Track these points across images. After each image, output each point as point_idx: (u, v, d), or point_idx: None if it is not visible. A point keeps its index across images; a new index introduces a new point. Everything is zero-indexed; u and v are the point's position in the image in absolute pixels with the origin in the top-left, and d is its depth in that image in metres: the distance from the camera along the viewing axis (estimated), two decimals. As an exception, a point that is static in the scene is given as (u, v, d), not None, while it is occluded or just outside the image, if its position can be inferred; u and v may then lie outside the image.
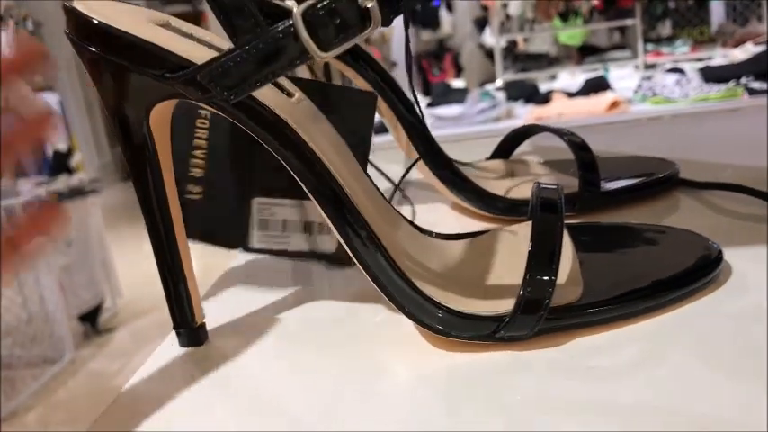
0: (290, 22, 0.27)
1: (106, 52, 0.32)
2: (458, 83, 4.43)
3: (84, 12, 0.32)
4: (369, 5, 0.27)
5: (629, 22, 4.40)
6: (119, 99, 0.33)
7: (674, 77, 3.11)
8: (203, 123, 0.43)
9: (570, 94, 3.34)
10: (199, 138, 0.43)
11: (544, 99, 3.36)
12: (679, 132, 0.74)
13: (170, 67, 0.32)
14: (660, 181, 0.49)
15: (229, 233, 0.44)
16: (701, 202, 0.45)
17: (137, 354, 2.37)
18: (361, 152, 0.41)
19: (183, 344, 0.37)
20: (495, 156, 0.57)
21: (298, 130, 0.33)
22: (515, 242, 0.38)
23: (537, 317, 0.32)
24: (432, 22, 5.36)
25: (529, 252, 0.32)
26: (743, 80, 2.79)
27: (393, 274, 0.33)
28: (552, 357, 0.31)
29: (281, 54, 0.28)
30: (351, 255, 0.34)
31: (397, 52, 5.38)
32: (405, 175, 0.44)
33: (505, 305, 0.32)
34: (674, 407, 0.26)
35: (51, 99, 3.90)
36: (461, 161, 0.52)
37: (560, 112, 3.12)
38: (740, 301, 0.34)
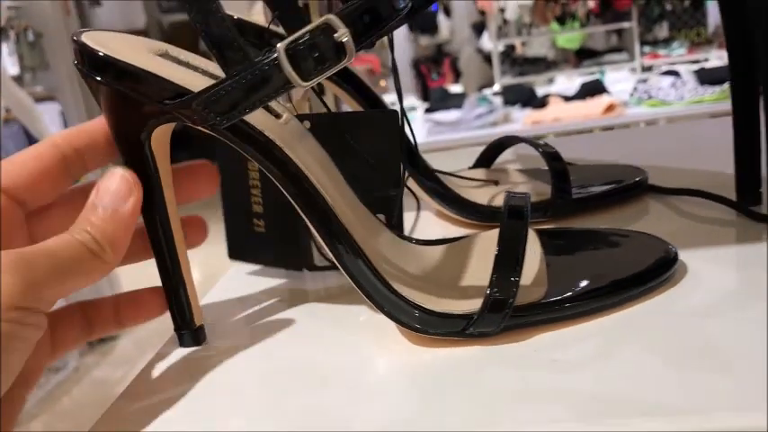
0: (275, 55, 0.31)
1: (111, 81, 0.35)
2: (456, 88, 4.45)
3: (91, 45, 0.35)
4: (343, 40, 0.30)
5: (625, 24, 4.43)
6: (123, 123, 0.36)
7: (669, 80, 3.14)
8: (253, 167, 0.48)
9: (567, 98, 3.36)
10: (253, 179, 0.48)
11: (541, 103, 3.38)
12: (672, 136, 0.77)
13: (168, 94, 0.35)
14: (629, 188, 0.52)
15: (295, 257, 0.49)
16: (669, 207, 0.48)
17: (140, 361, 2.40)
18: (395, 170, 0.44)
19: (183, 344, 0.40)
20: (477, 165, 0.60)
21: (285, 149, 0.36)
22: (489, 245, 0.40)
23: (502, 314, 0.35)
24: (430, 27, 5.38)
25: (495, 255, 0.36)
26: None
27: (372, 278, 0.36)
28: (519, 352, 0.34)
29: (266, 83, 0.31)
30: (335, 261, 0.37)
31: (396, 58, 5.41)
32: (403, 186, 0.47)
33: (475, 304, 0.35)
34: (627, 396, 0.28)
35: (53, 109, 3.92)
36: (444, 171, 0.55)
37: (557, 116, 3.15)
38: (693, 299, 0.36)
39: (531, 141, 0.52)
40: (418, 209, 0.58)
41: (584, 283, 0.37)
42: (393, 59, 0.44)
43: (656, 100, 3.07)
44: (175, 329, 0.40)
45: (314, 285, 0.48)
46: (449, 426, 0.29)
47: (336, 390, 0.33)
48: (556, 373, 0.31)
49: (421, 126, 3.41)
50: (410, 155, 0.53)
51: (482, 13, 5.02)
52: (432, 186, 0.53)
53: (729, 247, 0.42)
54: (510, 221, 0.37)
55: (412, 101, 4.00)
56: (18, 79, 3.99)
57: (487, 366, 0.33)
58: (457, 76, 5.51)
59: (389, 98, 3.90)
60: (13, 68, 4.30)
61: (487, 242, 0.41)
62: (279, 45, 0.31)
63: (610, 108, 3.10)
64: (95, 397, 2.31)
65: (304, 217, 0.37)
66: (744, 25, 0.37)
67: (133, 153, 0.36)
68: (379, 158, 0.42)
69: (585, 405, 0.28)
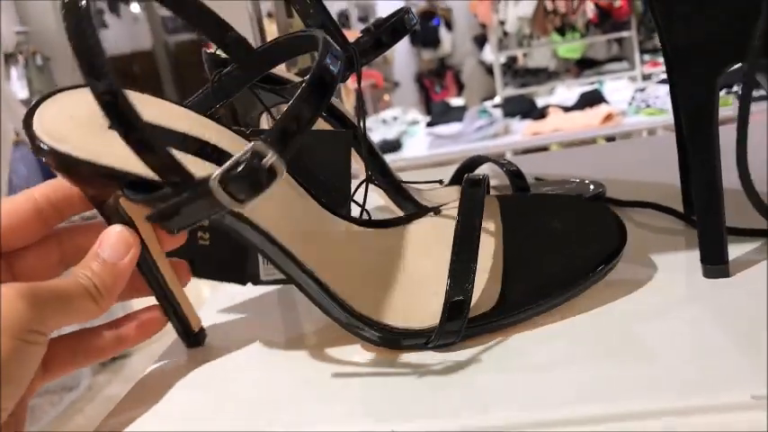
0: (209, 185, 0.32)
1: (59, 170, 0.37)
2: (458, 101, 4.50)
3: (36, 133, 0.37)
4: (271, 162, 0.32)
5: (625, 34, 4.46)
6: (90, 193, 0.39)
7: (666, 88, 3.16)
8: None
9: (566, 109, 3.39)
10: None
11: (541, 114, 3.42)
12: (644, 149, 0.80)
13: (113, 182, 0.36)
14: (587, 200, 0.55)
15: (239, 271, 0.49)
16: (624, 218, 0.51)
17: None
18: (343, 189, 0.45)
19: (189, 346, 0.44)
20: (451, 183, 0.63)
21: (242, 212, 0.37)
22: (441, 231, 0.43)
23: (459, 328, 0.37)
24: (432, 41, 5.44)
25: (451, 259, 0.38)
26: (734, 88, 2.83)
27: (330, 301, 0.39)
28: (478, 356, 0.37)
29: (205, 206, 0.33)
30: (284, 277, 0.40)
31: (399, 73, 5.47)
32: (354, 192, 0.48)
33: (432, 317, 0.37)
34: (573, 393, 0.31)
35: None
36: (417, 188, 0.58)
37: (556, 126, 3.18)
38: (635, 300, 0.39)
39: (496, 160, 0.55)
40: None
41: (533, 290, 0.39)
42: (359, 90, 0.47)
43: (653, 108, 3.09)
44: (178, 334, 0.44)
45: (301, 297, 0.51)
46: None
47: (316, 389, 0.36)
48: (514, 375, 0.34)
49: (422, 140, 3.46)
50: (382, 170, 0.55)
51: (483, 26, 5.06)
52: (403, 203, 0.56)
53: (674, 253, 0.45)
54: (465, 225, 0.40)
55: (415, 115, 4.05)
56: (27, 103, 4.05)
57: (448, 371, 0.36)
58: (460, 89, 5.56)
59: (393, 112, 3.94)
60: (22, 92, 4.37)
61: (439, 226, 0.44)
62: (211, 181, 0.32)
63: (608, 118, 3.14)
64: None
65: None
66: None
67: (106, 214, 0.39)
68: (332, 177, 0.44)
69: (546, 403, 0.31)
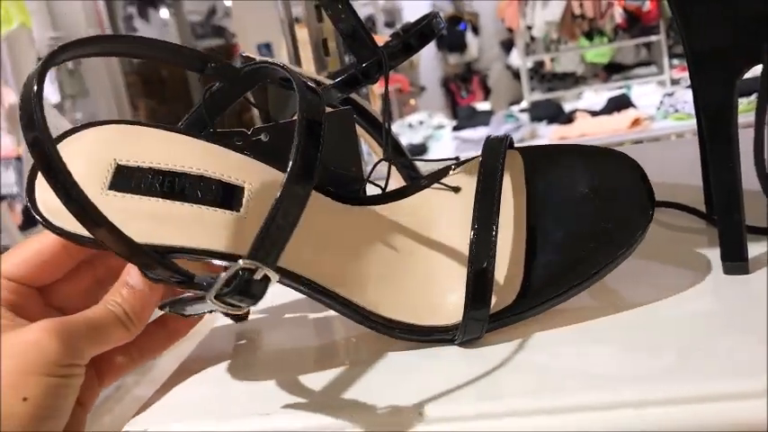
0: (207, 298, 0.32)
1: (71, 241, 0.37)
2: (484, 105, 4.49)
3: (39, 209, 0.37)
4: (262, 275, 0.32)
5: (653, 38, 4.43)
6: None
7: (696, 93, 3.13)
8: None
9: (594, 113, 3.38)
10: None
11: (568, 119, 3.41)
12: (671, 152, 0.80)
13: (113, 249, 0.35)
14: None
15: None
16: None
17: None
18: (357, 171, 0.44)
19: (236, 321, 0.48)
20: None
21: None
22: (454, 209, 0.42)
23: (482, 321, 0.37)
24: (458, 45, 5.44)
25: (468, 276, 0.37)
26: (753, 97, 2.80)
27: (351, 312, 0.39)
28: (500, 346, 0.38)
29: (208, 307, 0.34)
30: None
31: (425, 77, 5.47)
32: (371, 173, 0.47)
33: (455, 313, 0.38)
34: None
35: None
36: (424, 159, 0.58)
37: (583, 131, 3.17)
38: (661, 295, 0.40)
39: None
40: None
41: (554, 282, 0.39)
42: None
43: (682, 113, 3.07)
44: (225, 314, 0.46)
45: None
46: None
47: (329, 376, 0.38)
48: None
49: (448, 144, 3.46)
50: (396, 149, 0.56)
51: (510, 30, 5.06)
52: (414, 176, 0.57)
53: (696, 251, 0.46)
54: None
55: (440, 119, 4.05)
56: (59, 107, 4.12)
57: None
58: (486, 94, 5.55)
59: (419, 116, 3.95)
60: (53, 96, 4.44)
61: (449, 203, 0.43)
62: (207, 296, 0.32)
63: (636, 122, 3.12)
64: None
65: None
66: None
67: None
68: (343, 160, 0.44)
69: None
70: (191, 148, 0.40)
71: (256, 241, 0.32)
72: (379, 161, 0.48)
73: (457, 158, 0.46)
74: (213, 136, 0.42)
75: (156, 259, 0.34)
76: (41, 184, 0.37)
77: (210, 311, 0.37)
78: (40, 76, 0.32)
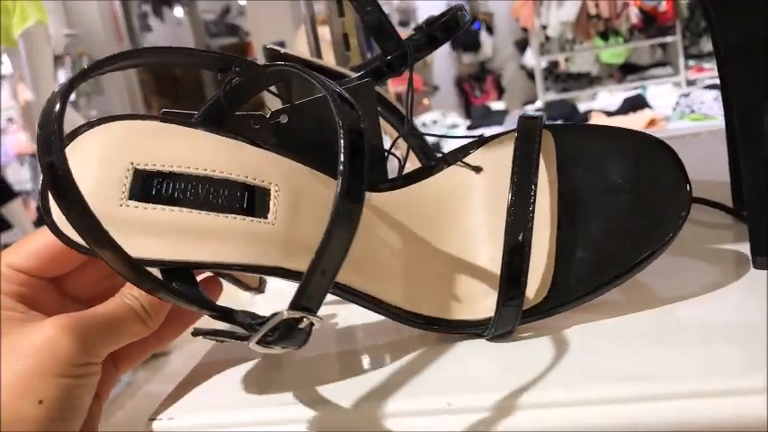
0: (249, 345, 0.32)
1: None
2: (498, 105, 4.49)
3: (54, 220, 0.34)
4: (305, 324, 0.31)
5: (669, 39, 4.41)
6: None
7: (712, 93, 3.12)
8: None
9: (609, 113, 3.37)
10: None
11: (583, 119, 3.39)
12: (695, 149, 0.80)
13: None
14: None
15: None
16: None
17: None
18: (378, 146, 0.43)
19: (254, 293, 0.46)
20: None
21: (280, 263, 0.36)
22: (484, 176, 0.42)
23: (515, 314, 0.37)
24: (472, 45, 5.43)
25: (501, 275, 0.36)
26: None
27: (383, 311, 0.38)
28: (530, 339, 0.38)
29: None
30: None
31: (439, 77, 5.47)
32: (391, 146, 0.46)
33: (487, 305, 0.38)
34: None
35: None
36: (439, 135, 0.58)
37: (598, 131, 3.15)
38: (688, 289, 0.40)
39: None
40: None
41: (584, 279, 0.38)
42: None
43: (698, 114, 3.06)
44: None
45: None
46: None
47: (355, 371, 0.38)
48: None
49: (462, 143, 3.45)
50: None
51: (525, 30, 5.05)
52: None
53: (724, 246, 0.46)
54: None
55: (454, 118, 4.05)
56: (74, 104, 4.15)
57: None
58: (500, 93, 5.54)
59: (433, 115, 3.95)
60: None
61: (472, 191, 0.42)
62: (249, 344, 0.32)
63: (651, 123, 3.11)
64: (148, 411, 2.38)
65: None
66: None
67: None
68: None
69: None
70: (211, 145, 0.38)
71: (300, 290, 0.31)
72: (399, 135, 0.47)
73: (481, 136, 0.44)
74: (229, 120, 0.41)
75: (177, 292, 0.33)
76: None
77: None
78: (63, 96, 0.30)
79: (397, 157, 0.45)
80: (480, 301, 0.39)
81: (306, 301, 0.31)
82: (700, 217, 0.52)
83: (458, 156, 0.43)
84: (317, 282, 0.31)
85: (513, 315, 0.37)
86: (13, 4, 3.13)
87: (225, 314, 0.33)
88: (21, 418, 0.31)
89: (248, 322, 0.33)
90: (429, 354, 0.38)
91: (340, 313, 0.48)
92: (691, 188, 0.38)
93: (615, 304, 0.40)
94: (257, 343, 0.31)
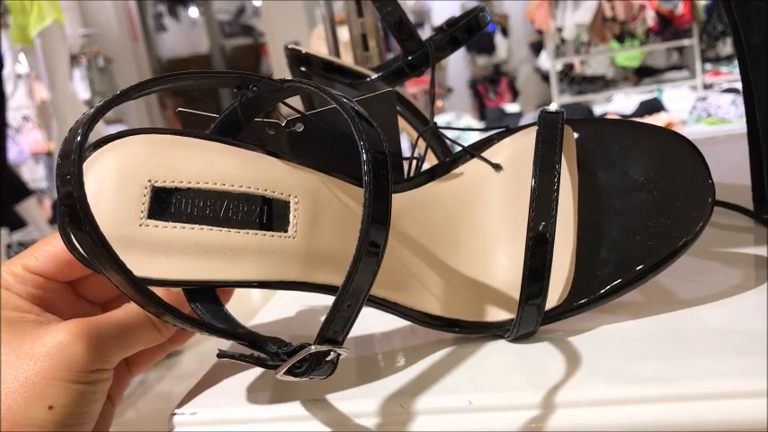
0: (276, 376, 0.32)
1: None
2: (513, 107, 4.47)
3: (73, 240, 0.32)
4: (332, 357, 0.32)
5: (686, 42, 4.39)
6: None
7: (729, 97, 3.10)
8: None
9: (625, 117, 3.36)
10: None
11: (598, 122, 3.38)
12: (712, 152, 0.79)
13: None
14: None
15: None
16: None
17: (202, 375, 2.46)
18: (397, 154, 0.43)
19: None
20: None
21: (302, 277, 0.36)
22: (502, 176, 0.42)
23: (537, 314, 0.36)
24: (487, 47, 5.41)
25: (524, 272, 0.36)
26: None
27: (410, 313, 0.38)
28: (550, 339, 0.38)
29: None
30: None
31: (453, 79, 5.46)
32: (415, 146, 0.47)
33: (507, 310, 0.38)
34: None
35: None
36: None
37: (613, 134, 3.14)
38: (707, 291, 0.40)
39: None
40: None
41: (603, 280, 0.38)
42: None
43: (715, 118, 3.04)
44: None
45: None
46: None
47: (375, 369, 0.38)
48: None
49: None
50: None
51: (540, 32, 5.03)
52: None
53: (742, 249, 0.45)
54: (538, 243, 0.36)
55: (468, 120, 4.04)
56: (89, 103, 4.17)
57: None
58: (514, 96, 5.53)
59: (447, 117, 3.95)
60: (84, 93, 4.50)
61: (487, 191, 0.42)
62: (278, 374, 0.32)
63: (668, 126, 3.09)
64: (159, 410, 2.38)
65: None
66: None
67: None
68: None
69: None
70: (228, 158, 0.37)
71: (326, 324, 0.31)
72: (423, 130, 0.47)
73: (507, 126, 0.44)
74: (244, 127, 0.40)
75: (195, 323, 0.32)
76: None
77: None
78: (85, 127, 0.29)
79: (416, 158, 0.45)
80: (501, 304, 0.39)
81: (332, 335, 0.31)
82: (720, 220, 0.52)
83: (479, 149, 0.43)
84: (342, 314, 0.31)
85: (535, 315, 0.37)
86: (30, 4, 3.16)
87: (252, 342, 0.33)
88: (30, 423, 0.31)
89: (275, 351, 0.32)
90: (448, 353, 0.38)
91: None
92: (714, 188, 0.38)
93: (635, 306, 0.40)
94: (285, 373, 0.32)
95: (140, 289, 0.30)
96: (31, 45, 3.26)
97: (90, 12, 5.08)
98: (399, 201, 0.41)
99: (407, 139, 0.57)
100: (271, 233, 0.36)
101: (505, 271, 0.40)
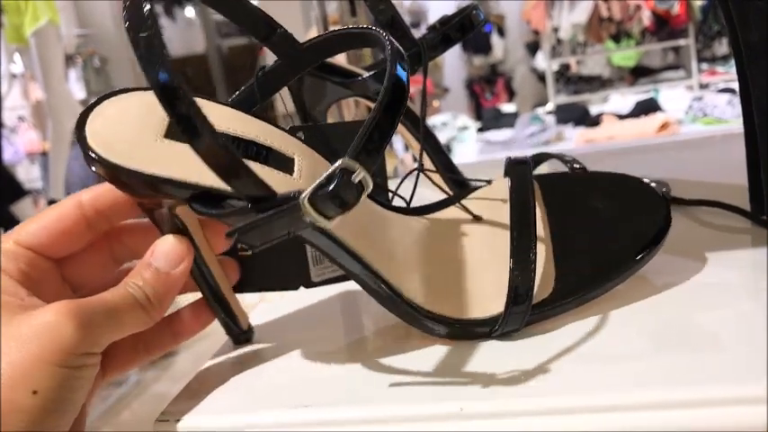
0: (299, 203, 0.31)
1: (112, 182, 0.36)
2: (509, 107, 4.47)
3: (88, 142, 0.35)
4: (360, 178, 0.31)
5: (682, 42, 4.39)
6: (143, 202, 0.38)
7: (725, 97, 3.11)
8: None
9: (621, 116, 3.36)
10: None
11: (594, 122, 3.38)
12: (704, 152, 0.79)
13: (174, 192, 0.35)
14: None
15: (287, 277, 0.46)
16: (689, 217, 0.51)
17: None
18: (379, 180, 0.44)
19: (236, 343, 0.44)
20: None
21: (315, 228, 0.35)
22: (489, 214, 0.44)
23: (524, 311, 0.37)
24: (483, 47, 5.42)
25: (511, 241, 0.38)
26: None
27: (401, 303, 0.38)
28: (539, 342, 0.37)
29: (291, 223, 0.32)
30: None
31: (449, 79, 5.46)
32: (399, 185, 0.47)
33: (495, 306, 0.38)
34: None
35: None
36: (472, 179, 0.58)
37: (610, 134, 3.14)
38: (701, 295, 0.39)
39: (560, 156, 0.55)
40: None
41: (587, 276, 0.40)
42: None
43: (711, 118, 3.04)
44: (227, 333, 0.44)
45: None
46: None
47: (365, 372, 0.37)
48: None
49: (473, 146, 3.45)
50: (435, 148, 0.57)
51: (536, 32, 5.04)
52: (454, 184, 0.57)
53: (740, 251, 0.45)
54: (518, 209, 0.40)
55: (465, 120, 4.04)
56: (85, 103, 4.15)
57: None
58: (511, 96, 5.53)
59: (443, 118, 3.94)
60: (80, 93, 4.49)
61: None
62: (301, 199, 0.31)
63: (664, 126, 3.09)
64: (155, 410, 2.38)
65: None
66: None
67: (157, 221, 0.38)
68: None
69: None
70: (242, 118, 0.40)
71: (358, 142, 0.32)
72: (409, 172, 0.47)
73: (489, 182, 0.48)
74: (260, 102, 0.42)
75: (250, 173, 0.32)
76: (98, 117, 0.36)
77: (276, 240, 0.33)
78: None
79: (402, 197, 0.46)
80: (487, 300, 0.39)
81: (363, 155, 0.32)
82: (716, 221, 0.51)
83: (460, 198, 0.46)
84: (375, 138, 0.32)
85: (521, 319, 0.38)
86: (25, 4, 3.15)
87: (272, 198, 0.33)
88: (12, 408, 0.30)
89: (294, 194, 0.32)
90: (440, 356, 0.38)
91: (348, 321, 0.48)
92: (668, 198, 0.43)
93: (626, 307, 0.39)
94: (308, 200, 0.31)
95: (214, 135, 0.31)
96: (26, 45, 3.24)
97: (85, 12, 5.07)
98: (390, 221, 0.43)
99: (400, 140, 0.56)
100: (278, 171, 0.38)
101: (492, 276, 0.40)
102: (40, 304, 0.34)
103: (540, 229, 0.42)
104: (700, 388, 0.30)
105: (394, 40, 0.36)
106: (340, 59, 0.61)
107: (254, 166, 0.36)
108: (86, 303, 0.33)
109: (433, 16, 5.01)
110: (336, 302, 0.49)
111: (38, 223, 0.36)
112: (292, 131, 0.42)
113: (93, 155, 0.34)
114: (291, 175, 0.39)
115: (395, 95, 0.33)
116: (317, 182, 0.31)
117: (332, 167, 0.31)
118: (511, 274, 0.38)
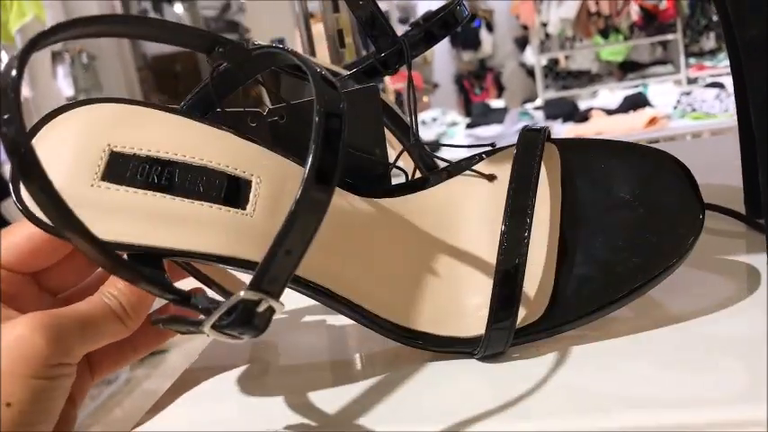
0: (203, 330, 0.29)
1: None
2: (498, 103, 4.46)
3: (24, 199, 0.33)
4: (265, 308, 0.28)
5: (670, 36, 4.39)
6: None
7: (713, 92, 3.11)
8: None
9: (609, 112, 3.35)
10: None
11: (583, 117, 3.38)
12: (699, 151, 0.77)
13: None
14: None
15: None
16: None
17: (188, 374, 2.45)
18: (378, 152, 0.42)
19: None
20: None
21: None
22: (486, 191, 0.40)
23: (506, 337, 0.34)
24: (472, 42, 5.41)
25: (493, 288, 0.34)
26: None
27: (374, 326, 0.36)
28: (526, 363, 0.36)
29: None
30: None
31: (438, 74, 5.45)
32: (396, 159, 0.44)
33: (478, 323, 0.35)
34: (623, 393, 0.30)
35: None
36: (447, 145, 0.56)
37: (599, 129, 3.14)
38: (698, 304, 0.38)
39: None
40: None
41: (584, 299, 0.36)
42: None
43: (699, 113, 3.04)
44: None
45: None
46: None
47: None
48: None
49: (462, 141, 3.44)
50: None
51: (525, 27, 5.03)
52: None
53: (736, 256, 0.43)
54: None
55: (454, 116, 4.03)
56: (72, 100, 4.12)
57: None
58: (500, 91, 5.52)
59: (432, 114, 3.93)
60: (68, 90, 4.45)
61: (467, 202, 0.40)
62: (203, 327, 0.28)
63: (652, 121, 3.09)
64: (146, 408, 2.37)
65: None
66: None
67: None
68: (362, 138, 0.41)
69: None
70: (195, 133, 0.36)
71: (261, 269, 0.28)
72: (405, 146, 0.45)
73: (493, 144, 0.42)
74: (224, 116, 0.39)
75: (141, 275, 0.31)
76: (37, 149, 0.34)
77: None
78: (20, 61, 0.28)
79: (403, 171, 0.43)
80: (471, 317, 0.37)
81: (267, 284, 0.28)
82: (710, 224, 0.49)
83: (461, 166, 0.41)
84: (281, 262, 0.28)
85: (504, 338, 0.35)
86: (9, 2, 3.11)
87: (183, 298, 0.31)
88: None
89: (206, 306, 0.30)
90: (422, 374, 0.36)
91: (333, 328, 0.46)
92: (704, 208, 0.37)
93: (619, 321, 0.37)
94: (212, 327, 0.28)
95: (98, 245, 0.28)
96: (11, 42, 3.21)
97: (73, 8, 5.03)
98: (380, 208, 0.40)
99: (390, 149, 0.54)
100: (227, 208, 0.35)
101: (479, 286, 0.37)
102: (15, 315, 0.33)
103: (547, 210, 0.38)
104: (697, 411, 0.28)
105: (312, 63, 0.32)
106: (323, 58, 0.59)
107: (197, 209, 0.34)
108: (58, 315, 0.32)
109: (423, 11, 4.99)
110: (321, 308, 0.48)
111: (7, 241, 0.35)
112: (272, 113, 0.40)
113: (26, 213, 0.33)
114: (244, 209, 0.35)
115: (303, 211, 0.28)
116: (219, 311, 0.28)
117: (232, 299, 0.28)
118: (495, 278, 0.35)
